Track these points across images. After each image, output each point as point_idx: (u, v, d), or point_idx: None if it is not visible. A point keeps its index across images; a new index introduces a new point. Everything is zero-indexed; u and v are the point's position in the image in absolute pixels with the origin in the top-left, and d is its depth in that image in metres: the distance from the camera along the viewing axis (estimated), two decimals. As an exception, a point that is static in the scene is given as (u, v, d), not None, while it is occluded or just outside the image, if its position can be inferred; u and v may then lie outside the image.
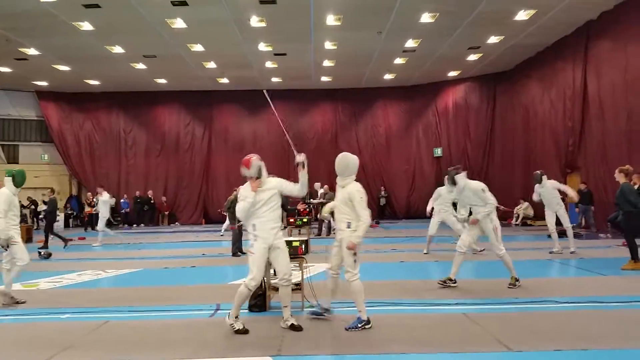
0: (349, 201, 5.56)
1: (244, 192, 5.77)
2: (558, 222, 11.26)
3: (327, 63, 20.21)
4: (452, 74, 22.56)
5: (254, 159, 5.79)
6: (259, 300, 6.57)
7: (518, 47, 18.41)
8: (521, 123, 20.36)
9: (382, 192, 23.97)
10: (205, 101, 24.73)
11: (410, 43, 17.74)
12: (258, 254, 5.60)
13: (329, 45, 17.81)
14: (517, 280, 7.60)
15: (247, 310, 6.51)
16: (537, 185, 11.39)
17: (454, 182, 7.89)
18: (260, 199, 5.70)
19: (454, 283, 7.72)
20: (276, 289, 6.82)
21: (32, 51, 17.62)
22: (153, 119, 24.90)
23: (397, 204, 24.32)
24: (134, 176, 24.49)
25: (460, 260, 7.82)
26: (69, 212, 24.09)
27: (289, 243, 6.79)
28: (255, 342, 5.28)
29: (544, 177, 11.26)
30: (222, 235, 17.08)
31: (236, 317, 5.57)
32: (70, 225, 23.69)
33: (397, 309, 6.56)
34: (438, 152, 24.17)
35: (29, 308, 6.87)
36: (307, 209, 16.03)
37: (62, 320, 6.26)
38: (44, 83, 22.56)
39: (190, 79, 22.17)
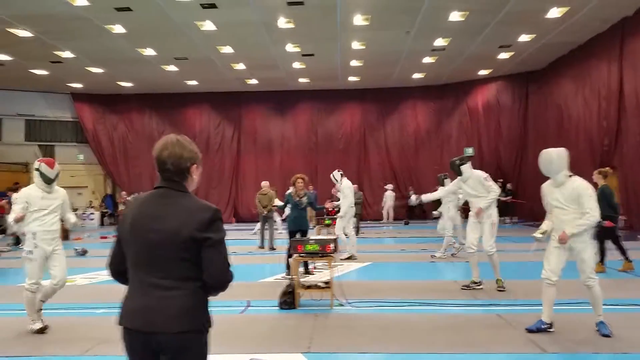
0: (577, 197, 5.11)
1: (24, 195, 5.77)
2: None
3: (354, 63, 20.17)
4: (483, 72, 22.23)
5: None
6: (289, 298, 6.60)
7: (550, 46, 18.02)
8: (554, 123, 19.92)
9: (411, 192, 23.71)
10: (234, 102, 24.97)
11: (440, 42, 17.55)
12: (38, 261, 5.66)
13: (356, 45, 17.77)
14: (501, 282, 7.48)
15: (277, 308, 6.55)
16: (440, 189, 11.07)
17: (459, 172, 7.69)
18: (48, 205, 5.73)
19: (479, 285, 7.58)
20: (306, 287, 6.86)
21: (66, 54, 18.09)
22: (184, 120, 25.27)
23: (426, 204, 24.05)
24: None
25: (475, 260, 7.66)
26: (104, 211, 24.68)
27: (318, 241, 6.82)
28: (285, 338, 5.31)
29: (447, 180, 10.85)
30: (254, 233, 17.21)
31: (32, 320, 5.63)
32: (104, 224, 24.25)
33: (428, 308, 6.50)
34: (469, 152, 23.82)
35: (66, 303, 7.05)
36: (336, 209, 15.98)
37: (98, 315, 6.41)
38: (78, 85, 23.14)
39: (219, 80, 22.41)
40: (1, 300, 7.53)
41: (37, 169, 5.69)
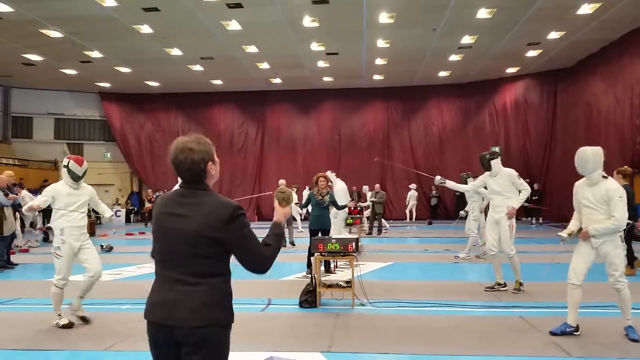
0: (608, 200, 5.02)
1: (51, 189, 5.88)
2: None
3: (379, 61, 20.05)
4: (511, 70, 21.85)
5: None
6: (310, 297, 6.60)
7: (580, 43, 17.59)
8: (583, 121, 19.46)
9: (434, 192, 23.49)
10: (258, 101, 25.10)
11: (467, 39, 17.31)
12: (66, 257, 5.73)
13: (381, 43, 17.65)
14: (521, 284, 7.32)
15: (297, 306, 6.56)
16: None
17: (488, 167, 7.50)
18: (76, 201, 5.81)
19: (504, 287, 7.45)
20: (327, 286, 6.85)
21: (95, 54, 18.45)
22: (209, 119, 25.52)
23: (450, 204, 23.80)
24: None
25: (497, 262, 7.52)
26: (130, 208, 25.11)
27: (339, 240, 6.80)
28: (305, 337, 5.31)
29: (470, 179, 10.53)
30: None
31: (59, 315, 5.67)
32: (132, 220, 24.67)
33: (450, 310, 6.42)
34: (495, 151, 23.46)
35: (91, 298, 7.18)
36: (357, 208, 15.94)
37: (122, 311, 6.52)
38: (106, 84, 23.59)
39: (244, 79, 22.56)
40: (30, 294, 7.71)
41: (66, 166, 5.79)
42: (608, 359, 4.56)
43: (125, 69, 20.63)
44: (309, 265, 9.03)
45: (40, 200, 5.76)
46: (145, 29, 15.74)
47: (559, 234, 5.36)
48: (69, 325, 5.64)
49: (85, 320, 5.79)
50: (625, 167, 5.06)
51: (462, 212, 11.72)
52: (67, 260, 5.74)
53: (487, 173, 7.59)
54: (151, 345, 2.40)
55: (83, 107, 25.31)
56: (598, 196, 5.07)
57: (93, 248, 5.95)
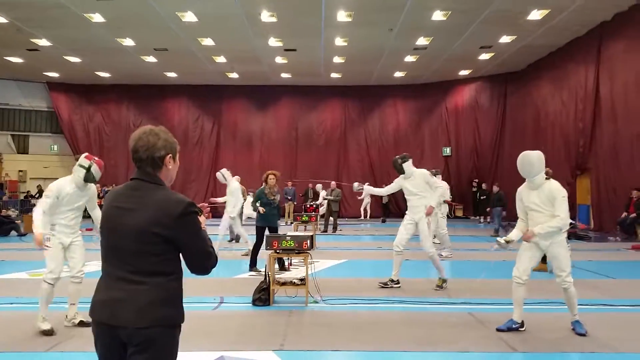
0: (553, 200, 5.15)
1: (55, 188, 5.43)
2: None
3: (337, 60, 20.12)
4: (463, 73, 22.40)
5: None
6: (263, 295, 6.54)
7: (530, 47, 18.23)
8: (531, 124, 20.19)
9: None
10: (214, 96, 24.72)
11: (422, 41, 17.61)
12: (55, 249, 5.45)
13: (339, 41, 17.72)
14: (444, 281, 7.53)
15: (251, 304, 6.49)
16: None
17: (401, 170, 7.62)
18: (76, 201, 5.56)
19: (397, 284, 7.57)
20: (281, 284, 6.81)
21: (43, 42, 17.67)
22: (162, 113, 24.92)
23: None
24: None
25: (399, 260, 7.64)
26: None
27: (294, 238, 6.78)
28: (258, 336, 5.26)
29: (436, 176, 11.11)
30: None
31: (43, 318, 5.32)
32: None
33: (402, 306, 6.51)
34: (447, 151, 24.01)
35: (33, 297, 6.88)
36: (314, 206, 15.96)
37: (65, 310, 6.25)
38: (55, 74, 22.64)
39: (200, 73, 22.16)
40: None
41: (84, 167, 5.35)
42: (552, 353, 4.74)
43: (75, 59, 19.87)
44: (254, 264, 8.96)
45: (46, 205, 5.27)
46: (97, 17, 15.19)
47: (497, 239, 5.46)
48: (50, 332, 5.21)
49: (86, 324, 5.43)
50: (547, 168, 5.32)
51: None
52: (56, 253, 5.40)
53: (402, 176, 7.69)
54: (96, 344, 2.30)
55: (29, 97, 24.20)
56: (544, 198, 5.21)
57: (82, 246, 5.66)
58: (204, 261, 2.34)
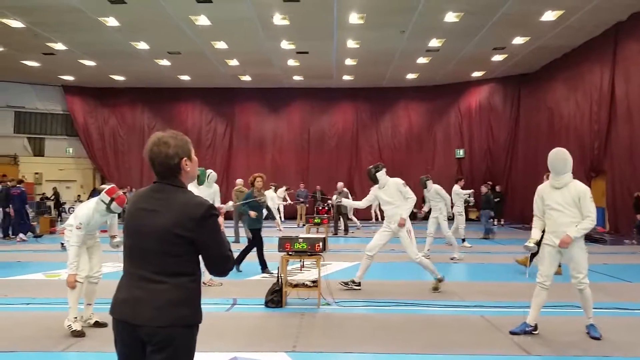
0: (577, 201, 5.09)
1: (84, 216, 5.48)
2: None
3: (349, 62, 20.14)
4: (476, 74, 22.28)
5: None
6: (276, 296, 6.57)
7: (544, 49, 18.09)
8: (545, 125, 20.02)
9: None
10: (227, 98, 24.86)
11: (434, 42, 17.56)
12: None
13: (351, 43, 17.73)
14: (440, 281, 7.46)
15: (263, 306, 6.52)
16: (425, 191, 11.22)
17: (375, 180, 7.56)
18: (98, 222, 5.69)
19: (358, 286, 7.52)
20: (293, 286, 6.84)
21: (59, 46, 17.92)
22: (176, 115, 25.13)
23: (417, 204, 24.08)
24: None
25: (367, 263, 7.60)
26: (92, 205, 24.49)
27: (306, 240, 6.79)
28: (270, 337, 5.28)
29: (429, 182, 11.13)
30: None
31: (75, 318, 5.37)
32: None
33: (415, 309, 6.50)
34: (460, 153, 23.89)
35: (49, 297, 6.98)
36: (326, 208, 15.97)
37: (81, 310, 6.32)
38: (70, 78, 22.94)
39: (212, 76, 22.30)
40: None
41: (105, 203, 5.36)
42: (566, 357, 4.70)
43: (90, 62, 20.11)
44: (265, 265, 9.03)
45: (80, 238, 5.37)
46: (112, 21, 15.37)
47: (526, 244, 5.39)
48: (81, 334, 5.27)
49: (100, 324, 5.54)
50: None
51: (419, 213, 12.01)
52: (79, 249, 5.47)
53: (377, 185, 7.63)
54: (116, 342, 2.35)
55: (45, 101, 24.55)
56: (568, 198, 5.13)
57: (99, 248, 5.77)
58: (223, 264, 2.41)
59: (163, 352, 2.22)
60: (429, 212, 11.38)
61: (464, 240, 12.58)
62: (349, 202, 8.52)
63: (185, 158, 2.42)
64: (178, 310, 2.26)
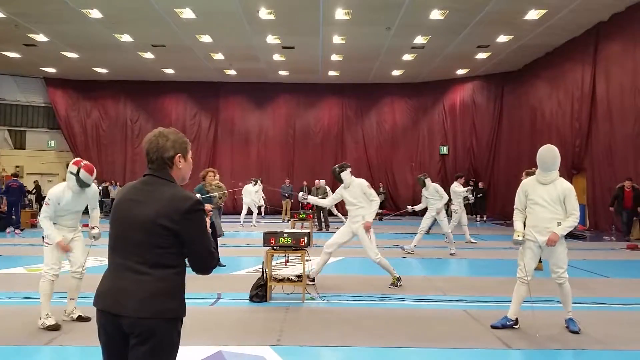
0: (562, 198, 5.16)
1: (55, 196, 5.43)
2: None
3: (335, 57, 20.16)
4: (461, 72, 22.47)
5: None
6: (261, 291, 6.58)
7: (527, 47, 18.31)
8: (528, 123, 20.28)
9: (381, 189, 23.72)
10: (212, 92, 24.72)
11: (419, 40, 17.66)
12: (54, 245, 5.46)
13: (337, 39, 17.75)
14: (398, 279, 7.52)
15: (248, 300, 6.54)
16: (423, 189, 11.35)
17: (340, 180, 7.54)
18: (75, 206, 5.57)
19: (312, 281, 7.47)
20: (278, 280, 6.86)
21: (40, 37, 17.64)
22: (160, 109, 24.92)
23: (401, 200, 24.28)
24: (139, 165, 24.51)
25: (325, 260, 7.58)
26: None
27: (291, 235, 6.81)
28: (255, 331, 5.30)
29: (427, 180, 11.26)
30: (241, 226, 17.17)
31: (47, 314, 5.34)
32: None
33: (398, 303, 6.56)
34: (444, 150, 24.10)
35: (33, 291, 6.90)
36: (310, 203, 15.96)
37: (63, 305, 6.27)
38: (52, 70, 22.60)
39: (197, 69, 22.16)
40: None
41: (73, 173, 5.34)
42: (546, 350, 4.79)
43: (72, 54, 19.84)
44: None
45: (49, 212, 5.34)
46: (95, 13, 15.18)
47: (515, 239, 5.40)
48: (56, 327, 5.24)
49: (83, 319, 5.50)
50: (533, 168, 5.42)
51: (409, 208, 12.06)
52: (55, 249, 5.41)
53: (342, 185, 7.62)
54: (100, 333, 2.34)
55: (26, 93, 24.17)
56: (554, 195, 5.20)
57: (82, 242, 5.67)
58: (207, 260, 2.40)
59: (146, 344, 2.21)
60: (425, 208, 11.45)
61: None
62: (314, 200, 8.49)
63: (180, 154, 2.46)
64: (161, 302, 2.25)
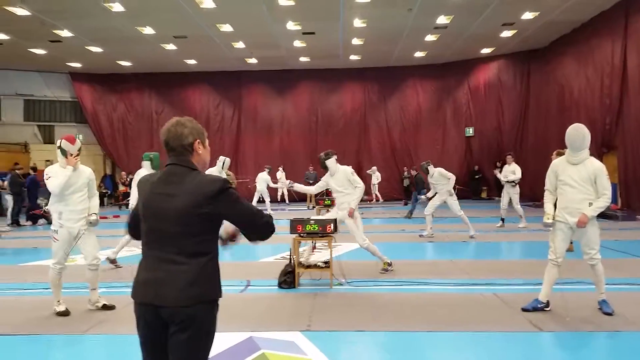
0: (593, 178, 5.09)
1: (52, 171, 5.57)
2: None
3: (356, 41, 19.96)
4: (485, 51, 22.00)
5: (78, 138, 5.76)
6: (289, 277, 6.64)
7: (553, 24, 17.80)
8: (555, 102, 19.80)
9: (406, 173, 23.50)
10: (234, 82, 24.79)
11: (442, 19, 17.33)
12: (62, 241, 5.53)
13: (358, 23, 17.56)
14: (389, 264, 7.48)
15: (276, 287, 6.61)
16: (428, 177, 11.27)
17: (325, 167, 7.50)
18: (74, 183, 5.57)
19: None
20: (306, 267, 6.91)
21: (65, 33, 17.91)
22: (184, 100, 25.12)
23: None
24: (165, 157, 24.67)
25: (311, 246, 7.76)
26: (104, 191, 24.68)
27: (317, 222, 6.84)
28: (284, 317, 5.37)
29: (430, 167, 11.17)
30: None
31: (58, 302, 5.56)
32: (105, 204, 24.27)
33: (426, 287, 6.55)
34: (470, 131, 23.73)
35: (65, 282, 7.09)
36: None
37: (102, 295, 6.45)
38: (77, 64, 22.96)
39: (219, 59, 22.22)
40: (15, 280, 7.59)
41: (59, 147, 5.59)
42: (579, 332, 4.73)
43: (96, 49, 20.11)
44: None
45: (59, 182, 5.44)
46: (117, 7, 15.30)
47: (545, 221, 5.34)
48: (66, 313, 5.51)
49: (108, 307, 5.69)
50: (564, 149, 5.30)
51: (423, 197, 12.02)
52: (63, 245, 5.56)
53: (328, 173, 7.58)
54: (138, 325, 2.41)
55: (53, 88, 24.61)
56: (584, 175, 5.11)
57: (92, 234, 5.75)
58: (257, 222, 2.46)
59: (186, 331, 2.29)
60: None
61: (503, 220, 12.74)
62: (300, 187, 8.50)
63: (199, 140, 2.51)
64: (199, 288, 2.33)
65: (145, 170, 7.72)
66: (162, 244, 2.37)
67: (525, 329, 4.83)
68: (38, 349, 4.68)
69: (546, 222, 5.35)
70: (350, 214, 7.28)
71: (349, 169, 7.54)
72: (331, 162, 7.49)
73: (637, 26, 14.93)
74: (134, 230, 2.61)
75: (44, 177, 5.64)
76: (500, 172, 13.49)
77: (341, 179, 7.44)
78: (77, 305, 5.74)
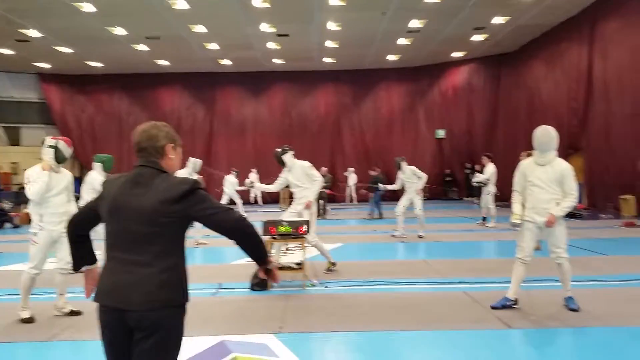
0: (561, 178, 5.19)
1: (33, 174, 5.43)
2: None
3: (330, 44, 20.02)
4: (457, 54, 22.35)
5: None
6: (261, 280, 6.60)
7: (523, 28, 18.19)
8: (525, 104, 20.22)
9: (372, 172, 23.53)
10: (207, 83, 24.58)
11: (415, 23, 17.53)
12: (42, 244, 5.42)
13: (332, 25, 17.62)
14: (333, 264, 7.58)
15: (248, 289, 6.56)
16: (398, 172, 11.43)
17: (282, 163, 7.58)
18: (55, 186, 5.48)
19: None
20: (278, 268, 6.87)
21: (33, 33, 17.48)
22: (155, 101, 24.80)
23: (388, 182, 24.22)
24: (135, 158, 24.44)
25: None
26: (75, 195, 24.14)
27: (290, 223, 6.82)
28: (256, 320, 5.33)
29: (404, 163, 11.31)
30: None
31: (23, 308, 5.39)
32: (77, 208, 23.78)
33: (397, 287, 6.59)
34: (440, 133, 24.05)
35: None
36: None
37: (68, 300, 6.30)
38: (45, 65, 22.44)
39: (192, 60, 22.02)
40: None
41: (53, 146, 5.43)
42: (546, 329, 4.83)
43: (65, 49, 19.70)
44: None
45: (39, 188, 5.30)
46: (87, 6, 15.02)
47: (513, 221, 5.45)
48: (30, 320, 5.31)
49: (75, 313, 5.53)
50: (529, 151, 5.47)
51: (380, 187, 12.29)
52: (43, 247, 5.41)
53: (285, 168, 7.65)
54: (103, 331, 2.32)
55: (20, 89, 24.00)
56: (551, 176, 5.21)
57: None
58: (229, 219, 2.37)
59: (152, 337, 2.21)
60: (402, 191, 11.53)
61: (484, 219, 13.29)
62: (261, 187, 8.51)
63: (172, 145, 2.48)
64: (167, 292, 2.26)
65: (96, 172, 7.55)
66: (128, 246, 2.29)
67: (495, 327, 4.91)
68: (2, 357, 4.54)
69: (514, 222, 5.45)
70: (308, 206, 7.30)
71: (306, 164, 7.57)
72: (287, 157, 7.53)
73: (603, 32, 15.37)
74: (75, 227, 2.58)
75: (24, 181, 5.47)
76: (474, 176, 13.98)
77: (299, 173, 7.48)
78: (42, 311, 5.59)
